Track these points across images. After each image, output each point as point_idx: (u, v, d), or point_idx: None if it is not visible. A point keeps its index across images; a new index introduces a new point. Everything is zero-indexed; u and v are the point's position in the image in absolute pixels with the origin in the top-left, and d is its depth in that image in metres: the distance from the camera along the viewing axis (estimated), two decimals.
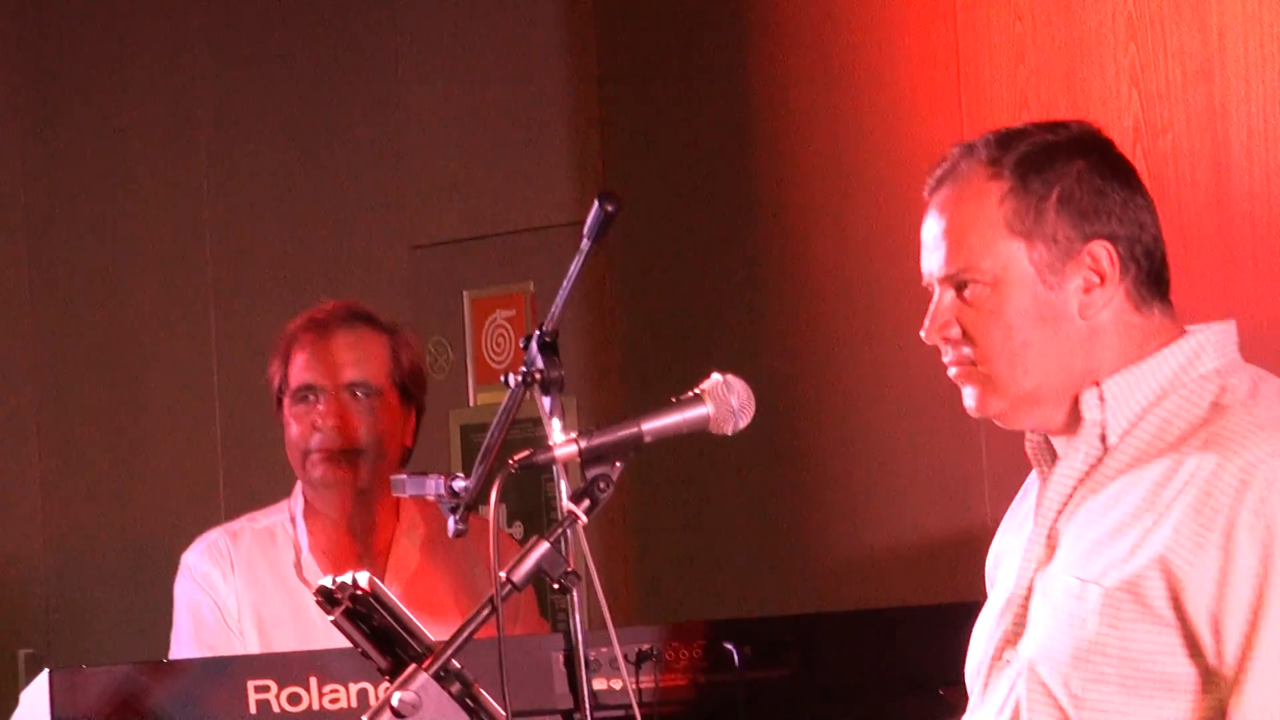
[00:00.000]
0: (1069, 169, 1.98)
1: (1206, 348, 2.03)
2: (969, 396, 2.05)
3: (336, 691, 2.94)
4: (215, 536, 3.46)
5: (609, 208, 2.70)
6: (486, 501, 2.38)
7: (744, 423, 2.23)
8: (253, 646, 3.37)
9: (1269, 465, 1.91)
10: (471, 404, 5.01)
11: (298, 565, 3.43)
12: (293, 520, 3.47)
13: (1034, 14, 3.82)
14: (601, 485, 2.17)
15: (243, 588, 3.43)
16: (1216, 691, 1.90)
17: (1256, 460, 1.91)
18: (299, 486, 3.44)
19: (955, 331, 2.01)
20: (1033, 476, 2.18)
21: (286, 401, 3.40)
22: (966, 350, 2.02)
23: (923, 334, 2.09)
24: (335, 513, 3.44)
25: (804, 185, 4.36)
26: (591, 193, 3.18)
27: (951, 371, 2.07)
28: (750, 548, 4.25)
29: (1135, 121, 3.51)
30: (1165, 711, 1.91)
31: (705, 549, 4.50)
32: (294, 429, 3.38)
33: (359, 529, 3.42)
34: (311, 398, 3.35)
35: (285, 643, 3.26)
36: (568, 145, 4.87)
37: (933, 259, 2.04)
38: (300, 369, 3.33)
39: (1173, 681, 1.92)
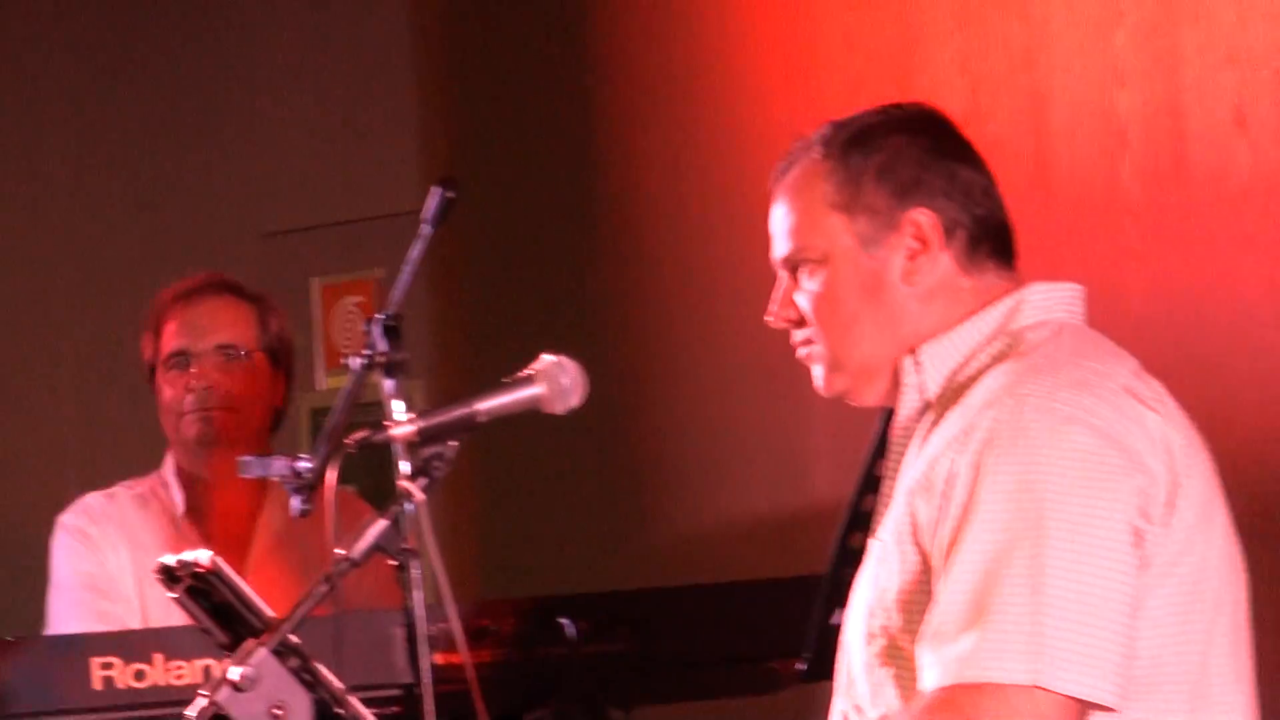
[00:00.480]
0: (888, 143, 2.02)
1: (1024, 307, 2.04)
2: (816, 377, 2.08)
3: (181, 668, 2.94)
4: (92, 499, 3.50)
5: (448, 194, 2.76)
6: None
7: (575, 402, 2.28)
8: (134, 608, 3.43)
9: (1004, 405, 1.92)
10: (320, 388, 5.01)
11: (172, 527, 3.48)
12: (166, 485, 3.52)
13: (866, 4, 3.91)
14: (437, 464, 2.21)
15: (123, 547, 3.48)
16: None
17: (997, 400, 1.93)
18: (169, 455, 3.49)
19: (793, 313, 2.06)
20: None
21: (159, 370, 3.46)
22: (806, 331, 2.06)
23: (767, 318, 2.13)
24: (208, 474, 3.50)
25: (642, 172, 4.37)
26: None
27: (800, 354, 2.10)
28: (590, 525, 4.27)
29: (964, 109, 3.58)
30: None
31: (547, 526, 4.52)
32: (167, 393, 3.44)
33: (231, 491, 3.48)
34: (184, 362, 3.42)
35: (162, 604, 3.29)
36: (416, 134, 4.88)
37: (775, 246, 2.08)
38: (171, 336, 3.40)
39: None
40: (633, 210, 4.40)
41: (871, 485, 2.30)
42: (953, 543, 1.90)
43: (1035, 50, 3.64)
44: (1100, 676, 1.83)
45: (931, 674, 1.87)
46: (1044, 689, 1.82)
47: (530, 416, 2.32)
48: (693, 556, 4.08)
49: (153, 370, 3.50)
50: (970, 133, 2.15)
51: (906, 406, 2.05)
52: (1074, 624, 1.83)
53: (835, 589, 2.39)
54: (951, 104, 3.73)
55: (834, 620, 2.30)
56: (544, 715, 3.07)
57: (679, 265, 4.25)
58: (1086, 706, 1.85)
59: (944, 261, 2.03)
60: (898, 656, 1.98)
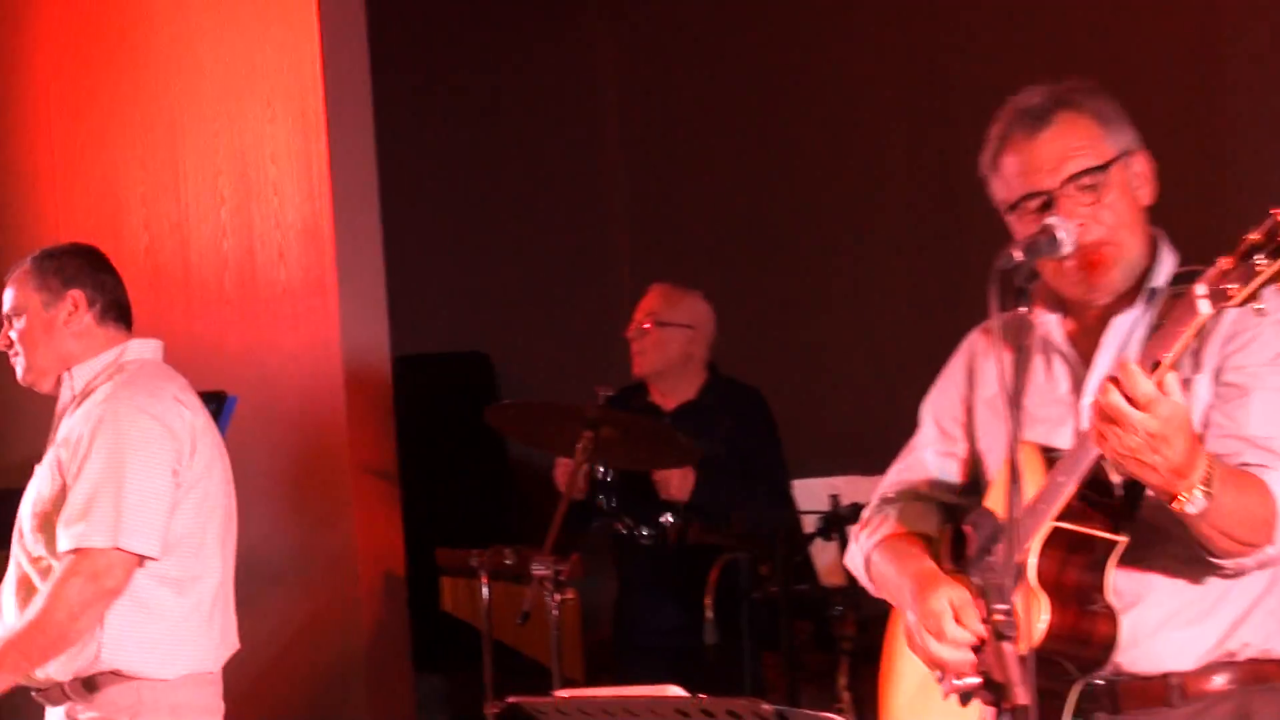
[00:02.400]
0: (68, 261, 4.37)
1: (131, 350, 4.36)
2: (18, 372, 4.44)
3: None
4: None
5: None
6: None
7: None
8: None
9: (105, 408, 4.19)
10: None
11: None
12: None
13: None
14: None
15: None
16: None
17: (99, 405, 4.23)
18: None
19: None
20: None
21: None
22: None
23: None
24: None
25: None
26: None
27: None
28: None
29: None
30: None
31: None
32: None
33: None
34: None
35: None
36: None
37: None
38: None
39: None
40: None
41: None
42: (76, 475, 4.20)
43: None
44: (150, 541, 4.12)
45: (64, 543, 4.12)
46: (119, 549, 4.09)
47: None
48: None
49: None
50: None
51: (63, 399, 4.39)
52: (135, 515, 4.10)
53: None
54: None
55: None
56: None
57: None
58: (144, 558, 4.12)
59: (89, 319, 4.35)
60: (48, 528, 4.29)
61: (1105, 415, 2.87)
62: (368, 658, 6.46)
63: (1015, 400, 2.92)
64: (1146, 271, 3.22)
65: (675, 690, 3.28)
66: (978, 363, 3.55)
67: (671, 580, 5.93)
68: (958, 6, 7.64)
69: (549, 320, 8.91)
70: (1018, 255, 2.99)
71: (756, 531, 5.40)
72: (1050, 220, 3.11)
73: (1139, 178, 3.33)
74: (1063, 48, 7.01)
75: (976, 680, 2.97)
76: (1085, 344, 3.25)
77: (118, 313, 4.59)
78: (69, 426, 4.51)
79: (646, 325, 6.17)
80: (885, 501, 3.60)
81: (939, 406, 3.62)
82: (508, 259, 9.24)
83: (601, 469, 5.97)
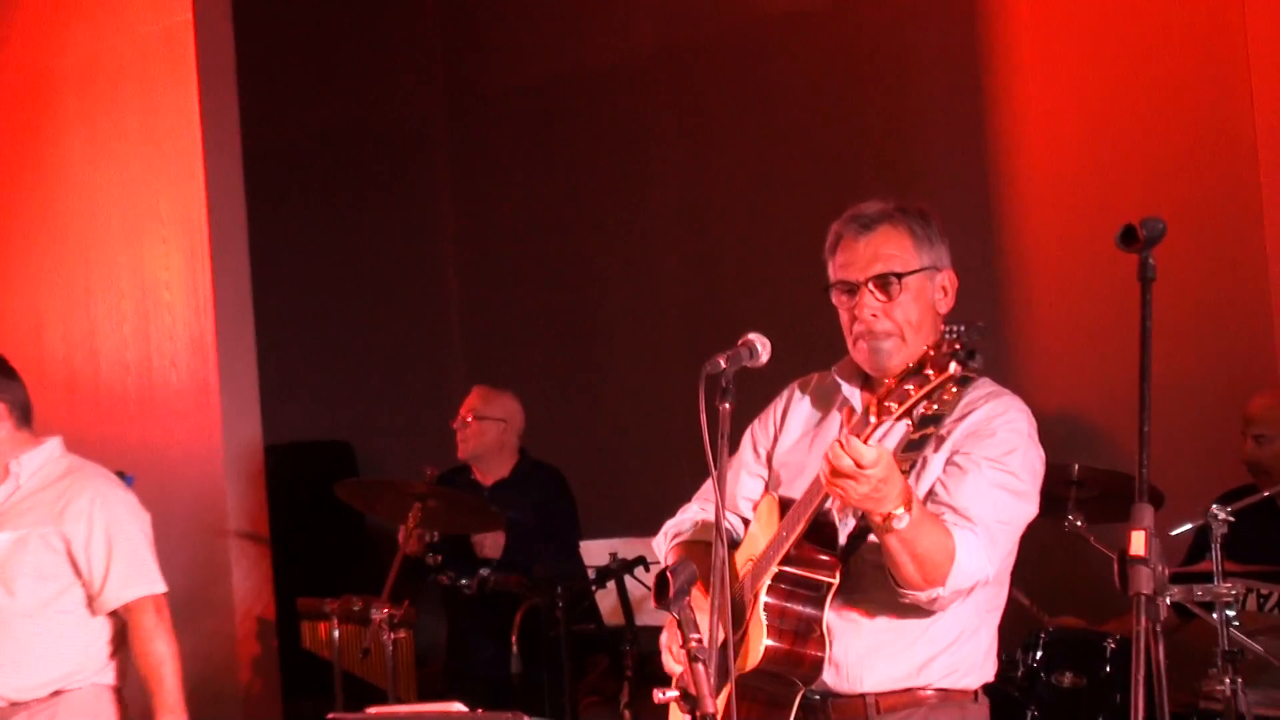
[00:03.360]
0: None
1: (57, 446, 4.86)
2: None
3: None
4: None
5: None
6: None
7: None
8: None
9: (89, 491, 4.83)
10: None
11: None
12: None
13: None
14: None
15: None
16: None
17: (71, 489, 4.79)
18: None
19: None
20: None
21: None
22: None
23: None
24: None
25: None
26: None
27: None
28: None
29: None
30: None
31: None
32: None
33: None
34: None
35: None
36: None
37: None
38: None
39: None
40: None
41: None
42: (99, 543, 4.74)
43: None
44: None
45: (130, 594, 4.78)
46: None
47: None
48: None
49: None
50: None
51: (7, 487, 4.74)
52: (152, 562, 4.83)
53: None
54: None
55: None
56: None
57: None
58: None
59: (8, 424, 4.72)
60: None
61: (839, 473, 3.06)
62: (246, 687, 7.00)
63: (713, 453, 3.11)
64: None
65: (458, 706, 3.68)
66: (791, 406, 3.70)
67: (489, 622, 6.30)
68: (718, 174, 8.02)
69: (398, 411, 9.22)
70: (722, 363, 3.19)
71: (552, 582, 5.67)
72: (751, 336, 3.26)
73: (941, 290, 3.47)
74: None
75: (676, 693, 3.04)
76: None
77: (28, 415, 5.11)
78: (42, 507, 5.00)
79: (469, 419, 6.73)
80: (696, 505, 3.75)
81: (756, 434, 3.75)
82: (364, 362, 9.60)
83: (431, 534, 6.39)
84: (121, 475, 5.73)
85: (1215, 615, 4.63)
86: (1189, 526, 4.98)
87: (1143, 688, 2.65)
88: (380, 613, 6.00)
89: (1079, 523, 5.27)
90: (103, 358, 7.50)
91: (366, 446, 9.37)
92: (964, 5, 6.98)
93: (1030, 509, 3.38)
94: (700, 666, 2.92)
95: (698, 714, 2.93)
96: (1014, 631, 3.90)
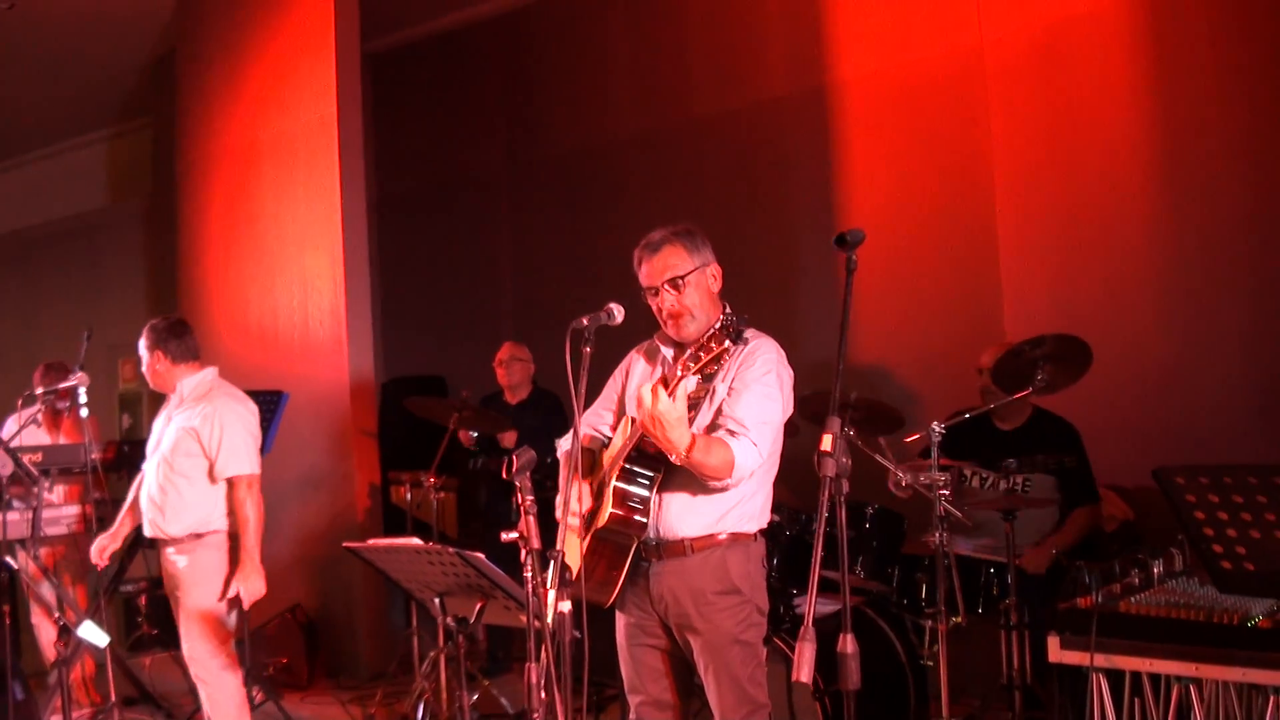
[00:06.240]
0: None
1: (203, 374, 5.21)
2: None
3: None
4: None
5: None
6: None
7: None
8: None
9: (218, 403, 5.33)
10: None
11: None
12: None
13: None
14: None
15: None
16: None
17: (210, 404, 5.27)
18: None
19: None
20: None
21: None
22: None
23: None
24: None
25: None
26: None
27: None
28: None
29: None
30: None
31: None
32: None
33: None
34: None
35: None
36: None
37: None
38: None
39: None
40: None
41: None
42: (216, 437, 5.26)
43: None
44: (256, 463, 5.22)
45: (232, 470, 5.25)
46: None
47: None
48: None
49: None
50: None
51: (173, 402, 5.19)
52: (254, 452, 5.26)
53: None
54: None
55: None
56: None
57: None
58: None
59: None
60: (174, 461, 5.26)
61: (646, 415, 3.46)
62: (361, 525, 7.87)
63: (580, 391, 3.32)
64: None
65: (415, 541, 3.89)
66: (633, 361, 4.06)
67: (508, 490, 6.86)
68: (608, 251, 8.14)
69: (471, 358, 9.48)
70: (585, 321, 3.48)
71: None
72: (611, 305, 3.55)
73: (711, 278, 3.82)
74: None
75: (515, 535, 3.27)
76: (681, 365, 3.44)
77: (191, 355, 5.74)
78: (188, 414, 5.51)
79: (505, 359, 7.92)
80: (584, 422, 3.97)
81: (615, 379, 4.09)
82: (448, 328, 10.14)
83: (474, 435, 7.62)
84: (278, 394, 6.96)
85: (931, 492, 5.09)
86: (917, 437, 5.44)
87: (822, 540, 2.79)
88: (428, 481, 7.04)
89: (851, 432, 5.74)
90: (279, 321, 8.40)
91: (453, 379, 10.04)
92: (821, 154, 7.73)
93: (786, 408, 3.78)
94: (532, 519, 3.23)
95: (526, 550, 3.24)
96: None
